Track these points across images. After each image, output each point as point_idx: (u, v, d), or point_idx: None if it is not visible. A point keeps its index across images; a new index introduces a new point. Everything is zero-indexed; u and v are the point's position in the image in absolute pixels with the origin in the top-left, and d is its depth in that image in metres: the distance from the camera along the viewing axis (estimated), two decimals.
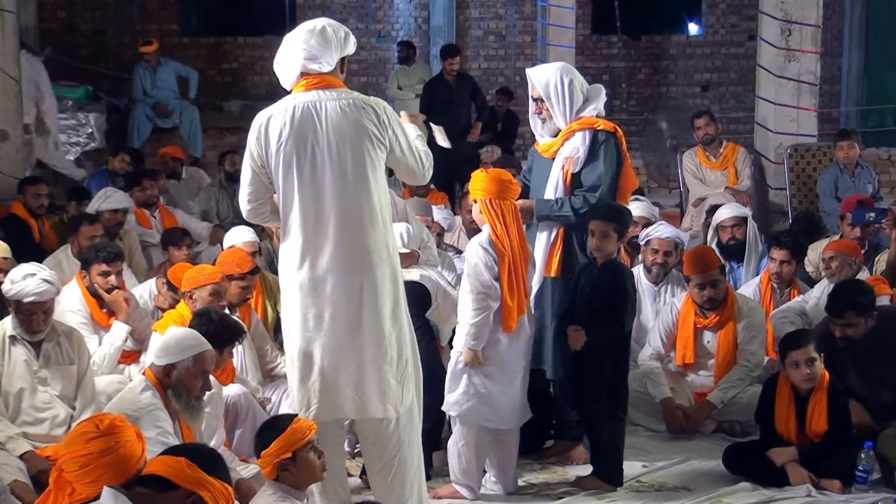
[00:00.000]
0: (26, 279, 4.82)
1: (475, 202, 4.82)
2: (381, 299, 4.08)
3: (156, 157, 10.21)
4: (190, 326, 4.70)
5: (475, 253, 4.73)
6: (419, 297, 5.04)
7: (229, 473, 3.24)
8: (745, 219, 7.06)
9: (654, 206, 7.65)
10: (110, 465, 3.22)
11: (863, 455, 4.88)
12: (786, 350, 5.04)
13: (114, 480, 3.16)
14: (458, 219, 7.83)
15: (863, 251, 6.70)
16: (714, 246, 6.91)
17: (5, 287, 4.88)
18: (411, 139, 4.22)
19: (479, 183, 4.77)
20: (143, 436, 3.39)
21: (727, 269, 6.50)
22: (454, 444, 4.83)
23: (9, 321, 4.93)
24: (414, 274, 5.16)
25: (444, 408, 4.84)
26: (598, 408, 4.91)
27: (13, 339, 4.88)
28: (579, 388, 4.95)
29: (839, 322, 5.28)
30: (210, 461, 3.16)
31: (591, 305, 4.86)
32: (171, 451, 3.24)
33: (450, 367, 4.84)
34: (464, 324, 4.77)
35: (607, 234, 4.85)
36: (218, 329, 4.68)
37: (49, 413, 4.87)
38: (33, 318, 4.83)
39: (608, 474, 4.98)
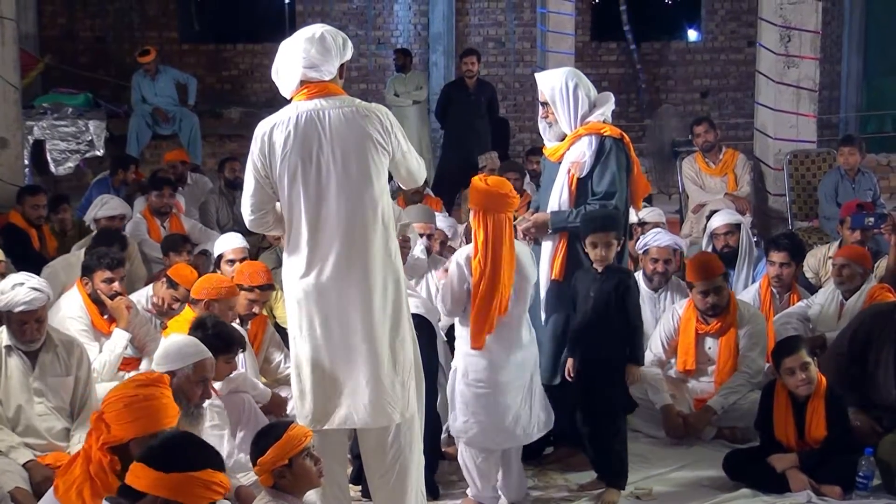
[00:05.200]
0: (14, 289, 4.79)
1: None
2: (384, 305, 4.08)
3: (155, 164, 10.15)
4: (189, 333, 4.71)
5: (453, 266, 4.70)
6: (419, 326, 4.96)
7: (213, 461, 3.13)
8: (738, 226, 7.04)
9: (661, 212, 7.71)
10: (148, 412, 3.53)
11: (863, 461, 4.88)
12: (779, 358, 5.03)
13: (148, 427, 3.48)
14: (464, 226, 7.81)
15: None
16: None
17: None
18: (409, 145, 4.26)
19: (474, 192, 4.67)
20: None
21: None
22: (468, 464, 4.79)
23: (5, 330, 4.91)
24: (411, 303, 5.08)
25: (452, 433, 4.83)
26: (615, 406, 4.93)
27: (9, 349, 4.85)
28: (592, 391, 4.91)
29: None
30: (181, 458, 3.09)
31: (598, 310, 4.86)
32: (145, 452, 3.17)
33: (449, 387, 4.82)
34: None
35: (609, 244, 4.84)
36: (209, 337, 4.66)
37: (45, 425, 4.84)
38: (25, 327, 4.80)
39: (618, 476, 4.95)
